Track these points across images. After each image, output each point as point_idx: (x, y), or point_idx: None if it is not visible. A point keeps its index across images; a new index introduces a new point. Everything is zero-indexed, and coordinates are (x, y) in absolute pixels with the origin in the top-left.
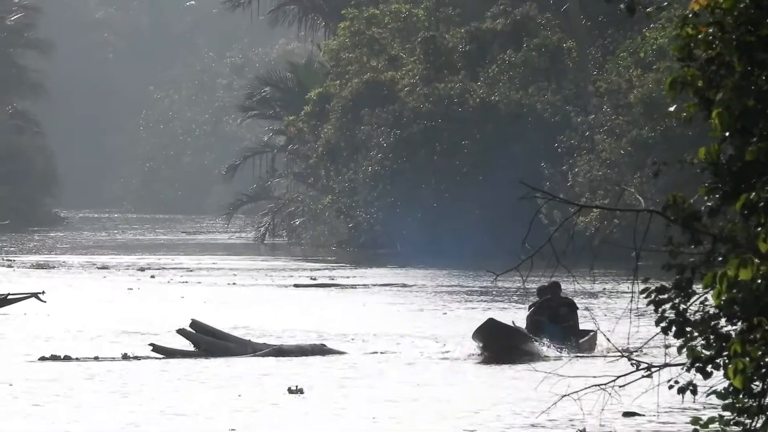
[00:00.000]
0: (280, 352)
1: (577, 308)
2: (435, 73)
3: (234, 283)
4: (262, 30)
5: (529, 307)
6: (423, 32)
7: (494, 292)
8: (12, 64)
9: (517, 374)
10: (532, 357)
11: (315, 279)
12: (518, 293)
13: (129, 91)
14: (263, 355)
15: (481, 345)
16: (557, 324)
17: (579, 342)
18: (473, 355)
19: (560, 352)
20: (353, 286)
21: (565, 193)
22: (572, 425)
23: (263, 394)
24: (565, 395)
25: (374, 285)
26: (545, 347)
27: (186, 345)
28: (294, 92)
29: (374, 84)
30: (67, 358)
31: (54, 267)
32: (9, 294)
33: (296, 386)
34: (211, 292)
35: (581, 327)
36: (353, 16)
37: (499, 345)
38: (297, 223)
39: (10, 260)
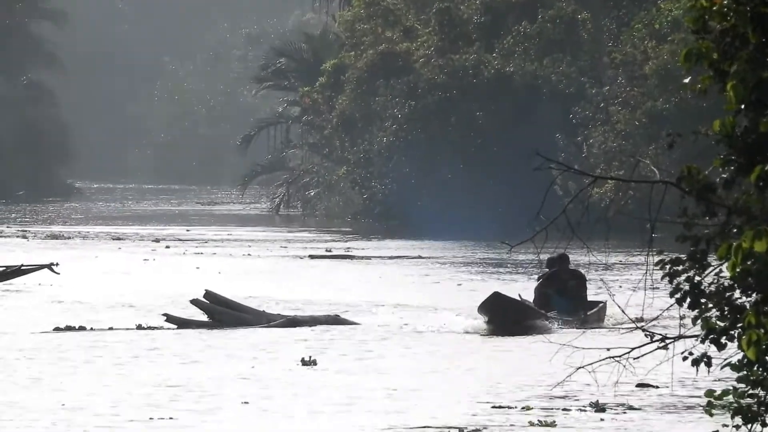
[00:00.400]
0: (293, 322)
1: (586, 280)
2: (450, 44)
3: (249, 254)
4: (277, 1)
5: (538, 279)
6: (438, 3)
7: (509, 264)
8: (27, 35)
9: (532, 346)
10: (539, 330)
11: (330, 250)
12: (533, 265)
13: (144, 62)
14: (277, 326)
15: (486, 319)
16: (565, 296)
17: (588, 314)
18: (485, 328)
19: (568, 326)
20: (368, 258)
21: (580, 164)
22: (587, 397)
23: (276, 365)
24: (580, 367)
25: (390, 257)
26: (552, 320)
27: (200, 315)
28: (309, 63)
29: (389, 55)
30: (81, 329)
31: (69, 238)
32: (22, 265)
33: (310, 357)
34: (226, 263)
35: (591, 299)
36: None
37: (505, 319)
38: (312, 194)
39: (25, 231)
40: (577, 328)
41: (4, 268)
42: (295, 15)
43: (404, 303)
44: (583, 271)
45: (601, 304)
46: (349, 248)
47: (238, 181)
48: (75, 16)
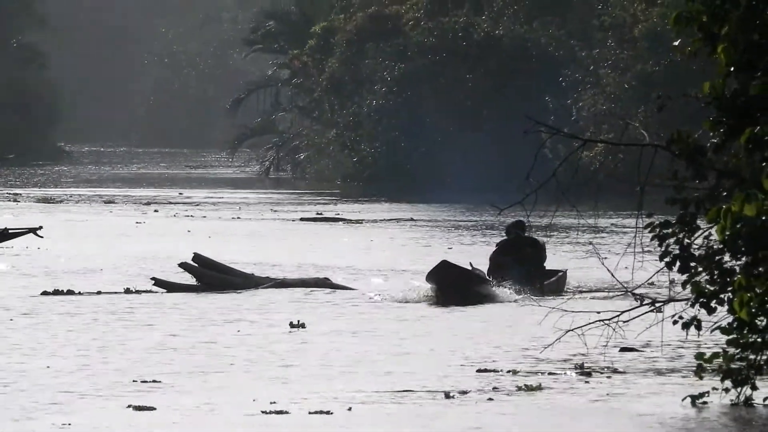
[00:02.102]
0: (282, 285)
1: (543, 248)
2: (439, 6)
3: (239, 218)
4: None
5: (496, 246)
6: None
7: (500, 227)
8: None
9: (522, 310)
10: (488, 299)
11: (321, 214)
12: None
13: (133, 24)
14: (266, 288)
15: (435, 287)
16: (521, 265)
17: (545, 283)
18: (432, 296)
19: (522, 294)
20: (360, 221)
21: (570, 127)
22: (572, 361)
23: (264, 329)
24: (569, 330)
25: (381, 220)
26: (505, 289)
27: (188, 279)
28: (298, 26)
29: (379, 18)
30: (69, 293)
31: (60, 201)
32: (6, 228)
33: (298, 321)
34: (215, 226)
35: (558, 267)
36: None
37: (453, 287)
38: (301, 157)
39: (16, 194)
40: (532, 297)
41: None
42: None
43: (395, 267)
44: (542, 239)
45: (560, 273)
46: (339, 212)
47: (227, 145)
48: None
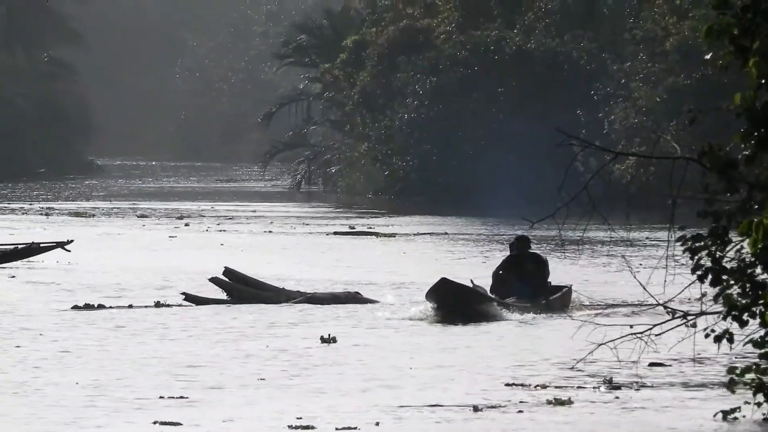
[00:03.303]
0: (313, 299)
1: (546, 264)
2: (471, 20)
3: (270, 231)
4: None
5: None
6: None
7: (534, 241)
8: (48, 11)
9: (554, 322)
10: (489, 316)
11: (353, 227)
12: (555, 241)
13: (165, 38)
14: (296, 303)
15: (435, 306)
16: (524, 281)
17: (549, 300)
18: (433, 314)
19: (525, 312)
20: (392, 235)
21: (601, 140)
22: (601, 375)
23: (295, 343)
24: (601, 344)
25: (414, 233)
26: (507, 306)
27: (219, 293)
28: (330, 40)
29: (410, 31)
30: (100, 307)
31: (92, 215)
32: (33, 243)
33: (329, 335)
34: (248, 240)
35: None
36: None
37: (453, 305)
38: (333, 171)
39: (47, 208)
40: (535, 314)
41: (15, 247)
42: None
43: (428, 280)
44: (545, 256)
45: (564, 289)
46: (371, 225)
47: (259, 158)
48: None
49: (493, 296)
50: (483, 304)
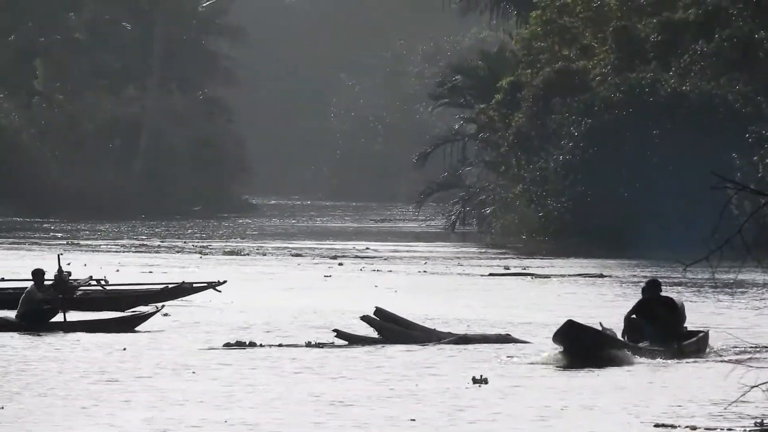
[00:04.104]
0: (464, 340)
1: (678, 307)
2: (626, 62)
3: (425, 271)
4: (454, 18)
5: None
6: (615, 22)
7: (687, 283)
8: (204, 51)
9: (706, 365)
10: (618, 361)
11: (508, 268)
12: (709, 284)
13: (319, 78)
14: (447, 343)
15: (561, 349)
16: (655, 325)
17: (683, 344)
18: (560, 358)
19: (656, 357)
20: (547, 276)
21: (756, 183)
22: (757, 416)
23: (446, 383)
24: (754, 386)
25: (569, 275)
26: (639, 351)
27: (370, 332)
28: (485, 81)
29: (566, 73)
30: (251, 345)
31: (247, 254)
32: (184, 282)
33: (481, 376)
34: (402, 280)
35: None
36: (545, 5)
37: (582, 348)
38: (487, 211)
39: (202, 247)
40: (667, 359)
41: (165, 286)
42: (471, 33)
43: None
44: (679, 299)
45: (701, 334)
46: (526, 266)
47: (414, 198)
48: (252, 32)
49: (623, 340)
50: (613, 348)
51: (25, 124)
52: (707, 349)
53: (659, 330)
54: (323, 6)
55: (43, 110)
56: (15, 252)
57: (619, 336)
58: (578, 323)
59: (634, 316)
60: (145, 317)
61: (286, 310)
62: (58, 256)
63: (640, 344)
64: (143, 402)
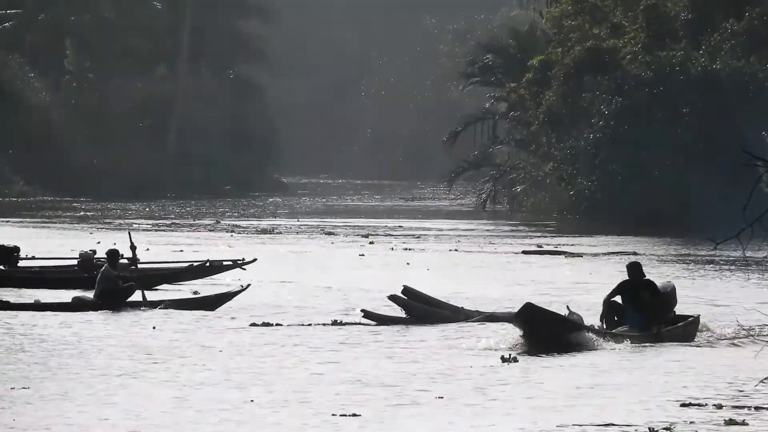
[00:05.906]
0: (492, 318)
1: (660, 292)
2: (657, 41)
3: (457, 250)
4: None
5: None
6: (645, 0)
7: (719, 261)
8: (234, 31)
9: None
10: (582, 345)
11: (541, 246)
12: (739, 262)
13: (350, 57)
14: (475, 321)
15: (521, 333)
16: (636, 308)
17: (664, 329)
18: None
19: (629, 342)
20: (580, 255)
21: None
22: None
23: (475, 361)
24: None
25: (602, 253)
26: (607, 335)
27: (399, 312)
28: (516, 59)
29: (596, 51)
30: (278, 325)
31: (279, 233)
32: (208, 261)
33: (510, 354)
34: (434, 258)
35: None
36: None
37: (542, 332)
38: (518, 190)
39: (233, 226)
40: (641, 344)
41: (190, 264)
42: (502, 11)
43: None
44: (669, 283)
45: (690, 319)
46: (558, 245)
47: (444, 177)
48: (282, 12)
49: (587, 325)
50: (573, 332)
51: (56, 104)
52: (696, 334)
53: (641, 313)
54: None
55: (74, 89)
56: (47, 230)
57: (598, 319)
58: (536, 306)
59: (616, 298)
60: (229, 296)
61: (318, 289)
62: (129, 231)
63: (619, 328)
64: (170, 381)
